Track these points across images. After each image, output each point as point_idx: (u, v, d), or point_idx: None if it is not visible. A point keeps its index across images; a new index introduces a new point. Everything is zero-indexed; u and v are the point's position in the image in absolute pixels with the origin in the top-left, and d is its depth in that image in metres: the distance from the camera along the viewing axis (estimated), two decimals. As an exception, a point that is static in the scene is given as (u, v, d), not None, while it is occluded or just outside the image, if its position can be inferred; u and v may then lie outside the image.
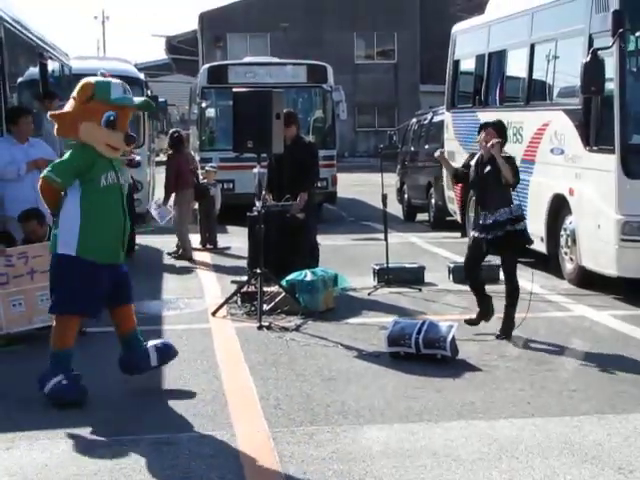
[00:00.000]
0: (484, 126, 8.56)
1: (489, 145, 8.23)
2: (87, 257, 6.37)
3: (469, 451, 5.41)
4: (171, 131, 14.68)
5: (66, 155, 6.58)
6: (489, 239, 8.28)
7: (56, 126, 6.61)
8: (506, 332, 8.23)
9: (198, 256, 13.59)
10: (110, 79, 6.51)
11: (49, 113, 6.78)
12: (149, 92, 19.27)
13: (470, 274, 8.60)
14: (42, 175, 6.49)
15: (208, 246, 14.40)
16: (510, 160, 8.38)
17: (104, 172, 6.39)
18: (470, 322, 8.49)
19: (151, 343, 6.88)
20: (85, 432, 5.81)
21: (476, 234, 8.39)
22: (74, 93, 6.55)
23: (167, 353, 6.93)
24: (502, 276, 8.64)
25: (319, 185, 18.78)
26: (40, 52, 12.17)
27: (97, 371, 7.03)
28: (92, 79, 6.50)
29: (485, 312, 8.52)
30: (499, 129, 8.51)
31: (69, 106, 6.56)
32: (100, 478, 5.08)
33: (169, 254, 13.56)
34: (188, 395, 6.63)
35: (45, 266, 8.18)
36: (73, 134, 6.49)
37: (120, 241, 6.55)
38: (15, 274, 8.14)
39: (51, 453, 5.46)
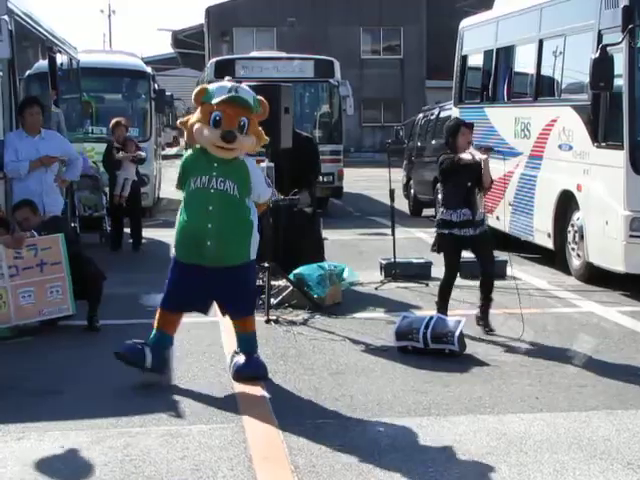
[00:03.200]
0: (458, 127, 8.43)
1: (482, 159, 8.20)
2: (179, 258, 6.69)
3: (478, 445, 5.42)
4: None
5: None
6: (469, 236, 8.29)
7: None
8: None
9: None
10: (224, 84, 6.70)
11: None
12: (156, 86, 19.29)
13: (454, 275, 8.55)
14: None
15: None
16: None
17: (197, 175, 6.57)
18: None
19: (242, 359, 6.79)
20: (95, 424, 5.83)
21: (455, 231, 8.32)
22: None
23: (245, 371, 6.76)
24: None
25: (325, 180, 18.91)
26: (49, 46, 12.20)
27: (108, 363, 7.04)
28: (209, 85, 6.76)
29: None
30: (471, 127, 8.56)
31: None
32: (110, 469, 5.10)
33: None
34: (197, 388, 6.64)
35: (55, 258, 8.24)
36: (194, 140, 6.70)
37: (202, 244, 6.51)
38: (24, 266, 8.15)
39: (61, 444, 5.48)
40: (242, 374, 6.75)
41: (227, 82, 6.81)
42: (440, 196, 8.80)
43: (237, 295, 6.72)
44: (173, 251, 6.78)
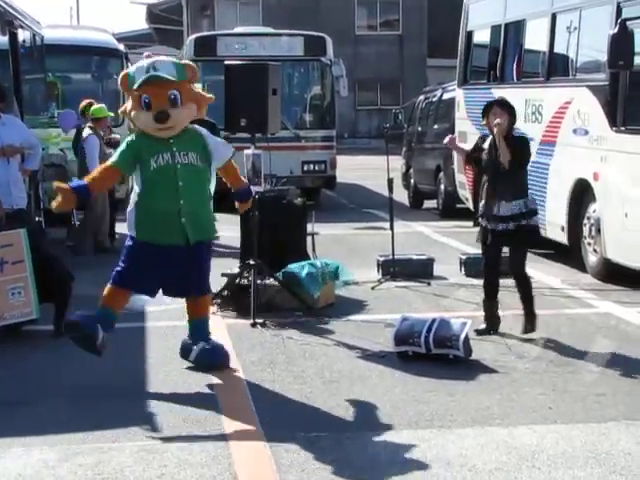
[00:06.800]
0: (489, 106, 8.30)
1: (494, 124, 8.06)
2: (142, 239, 7.04)
3: (486, 460, 5.42)
4: None
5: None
6: (498, 231, 8.20)
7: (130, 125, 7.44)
8: (532, 325, 8.22)
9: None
10: (141, 63, 7.12)
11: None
12: (129, 65, 19.23)
13: (493, 272, 8.44)
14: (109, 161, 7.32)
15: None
16: (520, 141, 8.33)
17: (154, 155, 6.97)
18: (481, 332, 8.34)
19: (202, 345, 7.24)
20: (63, 439, 5.82)
21: (489, 225, 8.30)
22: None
23: (206, 356, 7.22)
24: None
25: (316, 169, 18.93)
26: (9, 20, 12.15)
27: (76, 372, 7.03)
28: (129, 69, 7.24)
29: (495, 317, 8.44)
30: (506, 106, 8.28)
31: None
32: (80, 489, 5.10)
33: None
34: (176, 398, 6.64)
35: (16, 256, 8.20)
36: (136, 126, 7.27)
37: (174, 222, 6.95)
38: (-18, 266, 8.11)
39: (25, 462, 5.46)
40: (202, 362, 7.20)
41: (144, 61, 7.20)
42: None
43: (202, 271, 7.24)
44: (132, 232, 7.07)
